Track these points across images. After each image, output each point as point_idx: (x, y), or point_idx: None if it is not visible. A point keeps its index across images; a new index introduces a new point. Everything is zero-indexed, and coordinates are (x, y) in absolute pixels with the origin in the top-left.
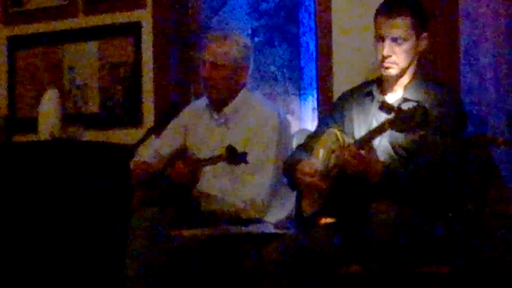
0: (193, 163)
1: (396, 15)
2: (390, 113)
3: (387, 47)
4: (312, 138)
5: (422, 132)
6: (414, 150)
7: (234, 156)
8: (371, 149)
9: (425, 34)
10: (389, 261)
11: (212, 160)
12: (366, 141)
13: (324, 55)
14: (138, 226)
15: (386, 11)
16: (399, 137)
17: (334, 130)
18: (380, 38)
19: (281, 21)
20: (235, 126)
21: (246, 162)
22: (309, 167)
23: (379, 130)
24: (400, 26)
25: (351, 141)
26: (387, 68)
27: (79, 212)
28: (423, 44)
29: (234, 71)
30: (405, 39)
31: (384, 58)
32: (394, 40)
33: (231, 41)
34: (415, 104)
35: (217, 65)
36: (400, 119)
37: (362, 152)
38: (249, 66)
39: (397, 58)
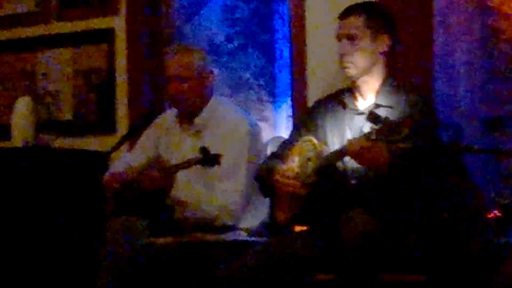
0: (166, 169)
1: (349, 15)
2: (377, 123)
3: (341, 46)
4: (286, 145)
5: (404, 145)
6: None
7: (208, 158)
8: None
9: (385, 36)
10: (362, 270)
11: (186, 164)
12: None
13: (298, 62)
14: (111, 235)
15: (342, 13)
16: None
17: (310, 138)
18: (338, 40)
19: (255, 28)
20: (206, 135)
21: (219, 164)
22: (288, 173)
23: (367, 136)
24: (352, 24)
25: (328, 149)
26: (344, 67)
27: (52, 220)
28: (383, 45)
29: (199, 81)
30: (358, 37)
31: (341, 58)
32: (349, 39)
33: (191, 51)
34: (401, 114)
35: (182, 78)
36: (388, 129)
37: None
38: (213, 73)
39: (353, 57)
